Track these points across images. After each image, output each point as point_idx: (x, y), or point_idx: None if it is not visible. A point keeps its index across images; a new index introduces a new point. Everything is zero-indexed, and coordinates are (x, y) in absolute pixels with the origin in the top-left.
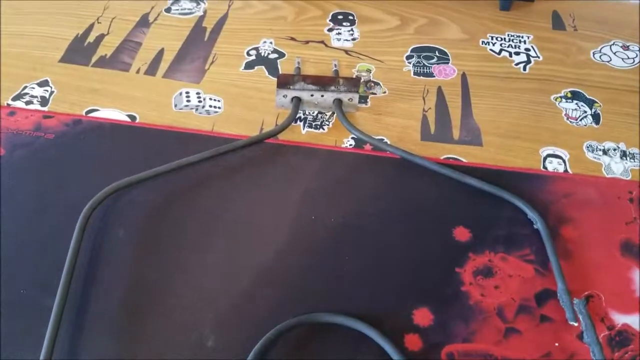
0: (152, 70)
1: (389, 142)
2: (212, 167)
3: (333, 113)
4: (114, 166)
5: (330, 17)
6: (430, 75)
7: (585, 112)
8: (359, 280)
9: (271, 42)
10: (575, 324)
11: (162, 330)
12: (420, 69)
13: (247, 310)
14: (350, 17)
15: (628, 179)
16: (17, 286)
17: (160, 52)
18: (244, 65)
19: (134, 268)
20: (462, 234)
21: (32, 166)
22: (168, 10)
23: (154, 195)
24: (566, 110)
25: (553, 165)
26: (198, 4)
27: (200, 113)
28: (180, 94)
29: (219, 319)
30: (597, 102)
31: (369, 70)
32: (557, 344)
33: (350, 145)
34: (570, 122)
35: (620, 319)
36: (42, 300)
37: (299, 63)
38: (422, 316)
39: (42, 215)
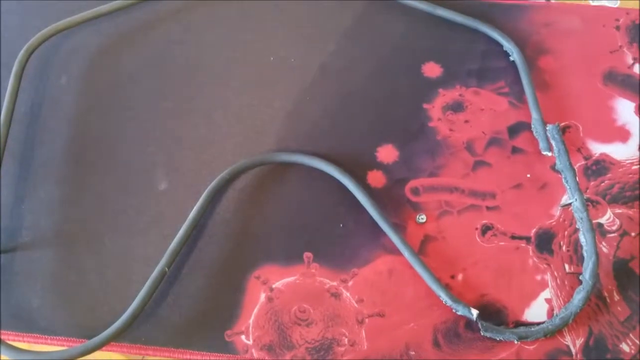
0: None
1: None
2: (160, 8)
3: None
4: (56, 13)
5: None
6: None
7: None
8: (320, 120)
9: None
10: (549, 154)
11: (111, 176)
12: None
13: (203, 153)
14: None
15: (616, 6)
16: None
17: None
18: None
19: (80, 116)
20: (431, 69)
21: None
22: None
23: (97, 39)
24: None
25: None
26: None
27: None
28: None
29: (172, 163)
30: None
31: None
32: (528, 175)
33: None
34: None
35: (598, 148)
36: None
37: None
38: (387, 153)
39: None
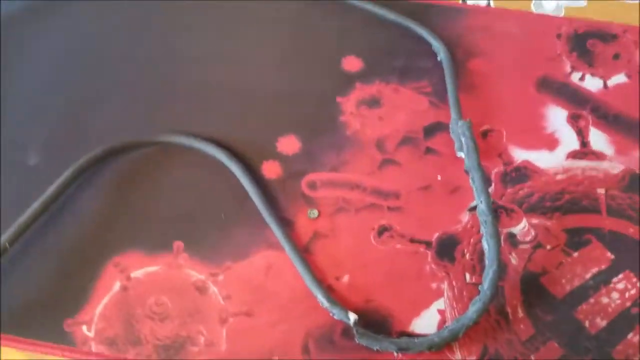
0: None
1: None
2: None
3: None
4: None
5: None
6: None
7: None
8: (223, 106)
9: None
10: (463, 155)
11: None
12: None
13: (82, 129)
14: None
15: (560, 16)
16: None
17: None
18: None
19: None
20: (352, 63)
21: None
22: None
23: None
24: None
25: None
26: None
27: None
28: None
29: (47, 138)
30: None
31: None
32: (439, 177)
33: None
34: None
35: (521, 155)
36: None
37: None
38: (288, 144)
39: None
